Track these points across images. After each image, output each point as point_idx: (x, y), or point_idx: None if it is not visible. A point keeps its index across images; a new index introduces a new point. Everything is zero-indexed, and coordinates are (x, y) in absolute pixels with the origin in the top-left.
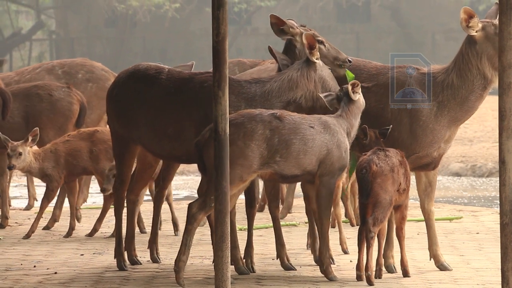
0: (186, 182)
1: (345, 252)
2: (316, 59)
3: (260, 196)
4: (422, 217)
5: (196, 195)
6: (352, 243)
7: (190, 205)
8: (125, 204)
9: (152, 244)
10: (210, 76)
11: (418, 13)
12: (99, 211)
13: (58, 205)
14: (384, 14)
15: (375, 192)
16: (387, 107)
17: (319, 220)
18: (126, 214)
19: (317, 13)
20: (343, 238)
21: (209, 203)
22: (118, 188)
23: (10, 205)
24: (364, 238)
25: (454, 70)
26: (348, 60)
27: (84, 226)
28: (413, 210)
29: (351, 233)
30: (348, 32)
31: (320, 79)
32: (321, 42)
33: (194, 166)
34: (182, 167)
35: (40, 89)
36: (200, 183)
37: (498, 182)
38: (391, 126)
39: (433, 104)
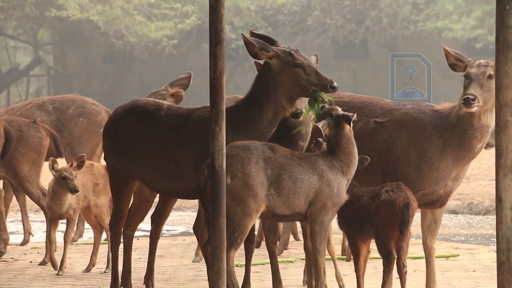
0: (182, 218)
1: None
2: (269, 58)
3: (256, 232)
4: (419, 254)
5: (192, 231)
6: (348, 280)
7: None
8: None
9: (148, 280)
10: (206, 111)
11: (415, 51)
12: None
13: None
14: (381, 52)
15: (410, 227)
16: (398, 142)
17: (313, 257)
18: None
19: (314, 50)
20: (339, 274)
21: (234, 239)
22: (115, 223)
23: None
24: (389, 271)
25: (457, 109)
26: (331, 86)
27: (80, 261)
28: (410, 247)
29: (348, 270)
30: (345, 69)
31: (273, 80)
32: (299, 66)
33: (191, 201)
34: (178, 202)
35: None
36: (196, 220)
37: (495, 220)
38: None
39: (440, 142)
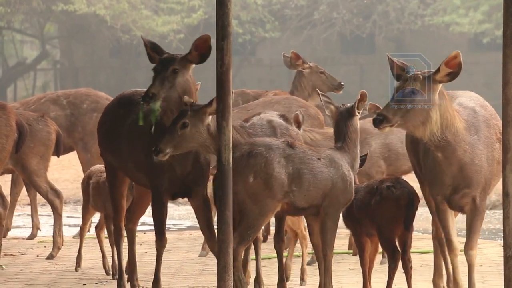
0: (189, 212)
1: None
2: None
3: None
4: (425, 249)
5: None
6: (355, 275)
7: None
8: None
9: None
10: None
11: (422, 45)
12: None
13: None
14: (388, 46)
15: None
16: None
17: (323, 252)
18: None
19: (321, 45)
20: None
21: (246, 236)
22: (115, 218)
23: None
24: (395, 267)
25: None
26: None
27: (86, 255)
28: (417, 241)
29: (354, 264)
30: (352, 64)
31: None
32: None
33: None
34: None
35: None
36: None
37: (502, 214)
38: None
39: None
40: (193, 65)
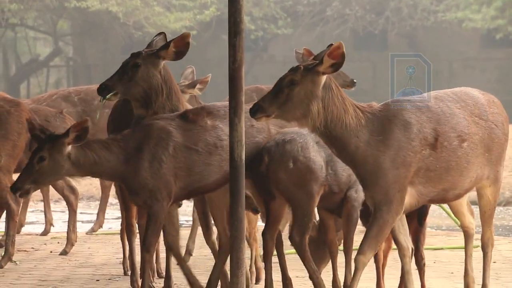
0: None
1: None
2: None
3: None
4: (438, 246)
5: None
6: (368, 271)
7: (291, 237)
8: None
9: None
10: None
11: (434, 42)
12: (115, 236)
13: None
14: (401, 43)
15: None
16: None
17: (346, 245)
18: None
19: (333, 41)
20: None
21: (305, 224)
22: (126, 215)
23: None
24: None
25: None
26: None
27: (99, 251)
28: (430, 238)
29: None
30: (364, 60)
31: None
32: None
33: None
34: None
35: (36, 115)
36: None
37: None
38: None
39: None
40: (163, 61)
